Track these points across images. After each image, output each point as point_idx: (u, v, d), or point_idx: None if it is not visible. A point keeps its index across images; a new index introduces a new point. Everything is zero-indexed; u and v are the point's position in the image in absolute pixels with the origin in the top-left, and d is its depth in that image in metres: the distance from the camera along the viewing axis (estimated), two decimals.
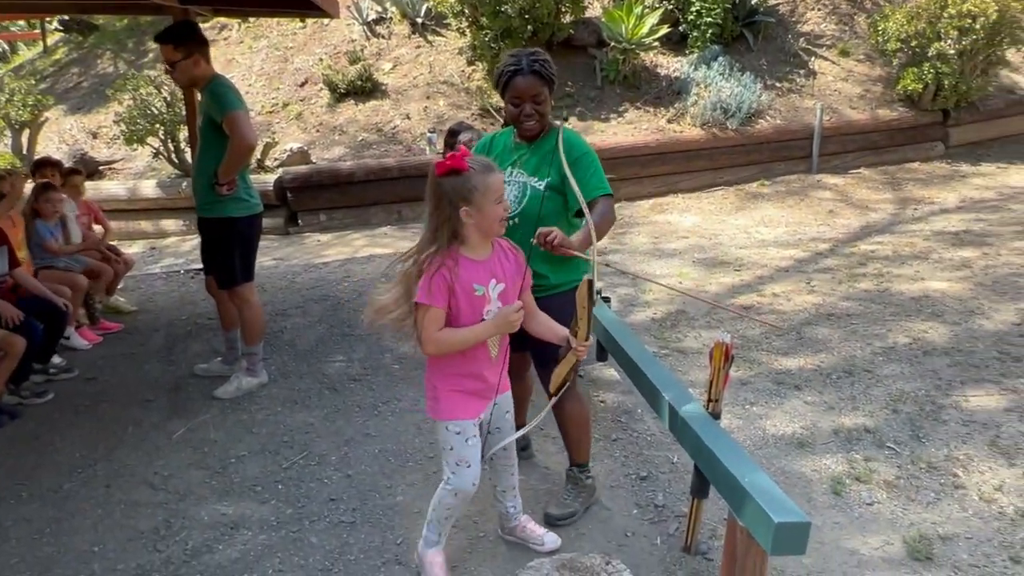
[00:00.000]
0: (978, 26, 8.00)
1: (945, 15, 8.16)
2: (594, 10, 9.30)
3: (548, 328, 2.29)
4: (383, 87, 8.83)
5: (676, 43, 9.19)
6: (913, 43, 8.45)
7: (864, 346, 4.13)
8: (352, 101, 8.69)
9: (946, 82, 8.36)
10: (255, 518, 2.78)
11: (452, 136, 4.11)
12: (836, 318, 4.54)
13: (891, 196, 7.86)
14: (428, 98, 8.64)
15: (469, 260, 2.11)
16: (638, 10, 8.46)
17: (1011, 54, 9.22)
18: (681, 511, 2.73)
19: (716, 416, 2.38)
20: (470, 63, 8.99)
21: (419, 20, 9.39)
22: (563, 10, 8.53)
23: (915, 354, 4.00)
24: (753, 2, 9.26)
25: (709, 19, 8.77)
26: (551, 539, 2.54)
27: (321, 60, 9.17)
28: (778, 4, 9.84)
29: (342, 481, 3.01)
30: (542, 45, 8.52)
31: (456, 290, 2.08)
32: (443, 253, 2.07)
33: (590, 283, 2.04)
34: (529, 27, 8.22)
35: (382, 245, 6.78)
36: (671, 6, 9.00)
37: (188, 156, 7.27)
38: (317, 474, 3.06)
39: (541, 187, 2.49)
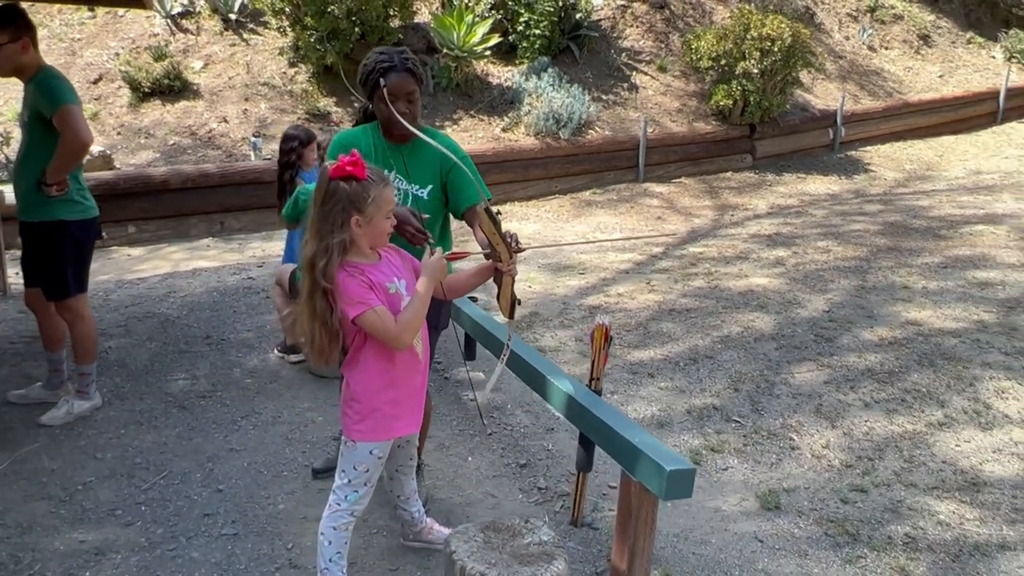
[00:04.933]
0: (776, 48, 9.34)
1: (748, 37, 9.43)
2: (423, 16, 9.64)
3: (463, 281, 2.37)
4: (194, 87, 8.54)
5: (506, 53, 9.77)
6: (722, 62, 9.66)
7: (704, 336, 4.76)
8: (159, 101, 8.32)
9: (751, 99, 9.65)
10: (121, 542, 2.73)
11: (292, 141, 4.14)
12: (677, 313, 5.17)
13: (711, 203, 8.91)
14: (247, 100, 8.49)
15: (367, 265, 2.14)
16: (468, 18, 8.92)
17: (804, 75, 10.81)
18: (563, 491, 3.07)
19: (598, 393, 2.75)
20: (292, 64, 8.95)
21: (232, 16, 9.20)
22: (392, 14, 8.79)
23: (747, 341, 4.68)
24: (578, 16, 10.08)
25: (537, 31, 9.44)
26: None
27: (118, 55, 8.68)
28: (601, 20, 10.78)
29: (214, 496, 3.02)
30: (369, 48, 8.71)
31: (376, 290, 2.11)
32: (341, 265, 2.08)
33: (487, 209, 2.09)
34: (357, 29, 8.39)
35: (206, 258, 6.58)
36: (500, 16, 9.56)
37: None
38: (184, 492, 3.04)
39: (424, 194, 2.58)
